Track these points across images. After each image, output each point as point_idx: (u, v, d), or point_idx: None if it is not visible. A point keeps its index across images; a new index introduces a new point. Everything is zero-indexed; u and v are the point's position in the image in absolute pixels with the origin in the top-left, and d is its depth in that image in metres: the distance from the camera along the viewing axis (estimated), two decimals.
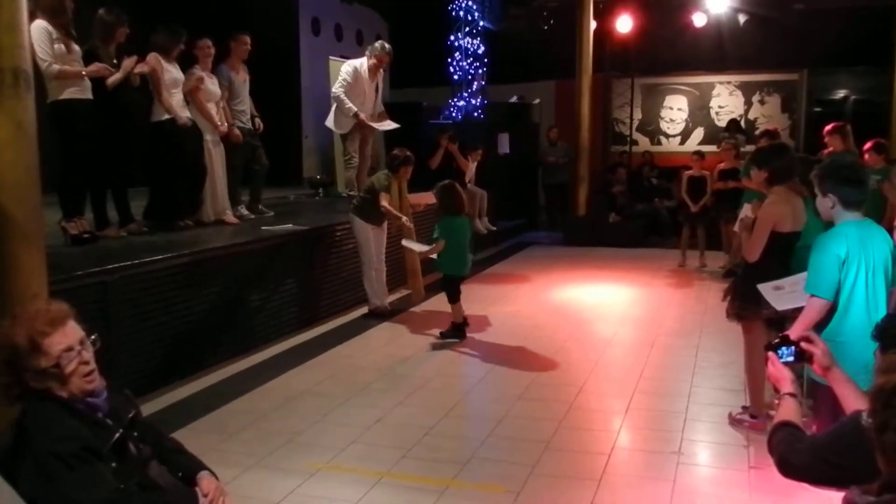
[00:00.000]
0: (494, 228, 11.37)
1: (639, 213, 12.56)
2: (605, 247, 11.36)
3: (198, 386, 5.40)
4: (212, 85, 7.22)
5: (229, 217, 7.33)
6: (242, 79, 7.74)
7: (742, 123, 13.82)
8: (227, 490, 2.58)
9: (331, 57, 10.83)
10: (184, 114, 6.77)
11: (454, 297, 6.68)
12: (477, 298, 8.13)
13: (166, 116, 6.63)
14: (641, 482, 3.95)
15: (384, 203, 7.05)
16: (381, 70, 8.63)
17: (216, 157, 7.21)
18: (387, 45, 8.59)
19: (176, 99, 6.72)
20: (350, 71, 8.37)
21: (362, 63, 8.40)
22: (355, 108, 8.25)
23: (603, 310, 7.84)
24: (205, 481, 2.43)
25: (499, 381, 5.61)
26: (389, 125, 8.84)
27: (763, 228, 4.25)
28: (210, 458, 2.80)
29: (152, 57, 6.51)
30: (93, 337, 2.32)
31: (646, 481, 3.95)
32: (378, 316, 7.33)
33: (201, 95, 7.05)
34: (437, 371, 5.79)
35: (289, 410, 4.93)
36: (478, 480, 3.94)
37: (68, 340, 2.24)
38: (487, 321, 7.26)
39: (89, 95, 5.85)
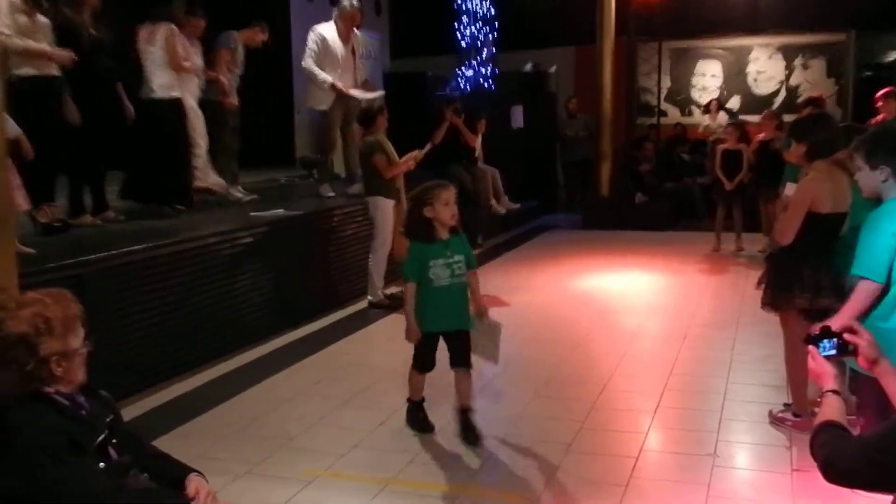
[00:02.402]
0: (518, 206, 11.34)
1: (668, 192, 12.55)
2: (631, 230, 11.36)
3: (183, 388, 5.44)
4: (194, 56, 7.35)
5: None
6: (243, 55, 7.90)
7: (783, 90, 13.77)
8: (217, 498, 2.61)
9: (313, 27, 10.80)
10: (176, 93, 6.90)
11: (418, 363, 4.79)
12: (489, 288, 8.15)
13: (158, 95, 6.71)
14: (673, 487, 3.97)
15: (385, 168, 7.13)
16: (356, 32, 8.45)
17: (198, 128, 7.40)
18: (355, 2, 8.32)
19: (166, 77, 6.83)
20: (315, 38, 8.11)
21: (329, 26, 8.19)
22: (330, 79, 8.04)
23: (628, 299, 7.86)
24: (193, 483, 2.48)
25: (514, 378, 5.63)
26: (373, 93, 8.78)
27: (798, 208, 4.23)
28: (198, 466, 2.83)
29: (166, 28, 6.63)
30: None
31: (678, 486, 3.98)
32: (381, 307, 7.37)
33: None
34: (445, 368, 5.77)
35: (284, 413, 4.98)
36: (492, 486, 3.98)
37: (81, 334, 2.38)
38: (501, 312, 7.26)
39: (55, 71, 5.89)
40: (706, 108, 13.52)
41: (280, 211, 7.22)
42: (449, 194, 4.39)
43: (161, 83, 6.90)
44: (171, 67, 6.91)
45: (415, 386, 4.75)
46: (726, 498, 3.82)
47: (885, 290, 3.33)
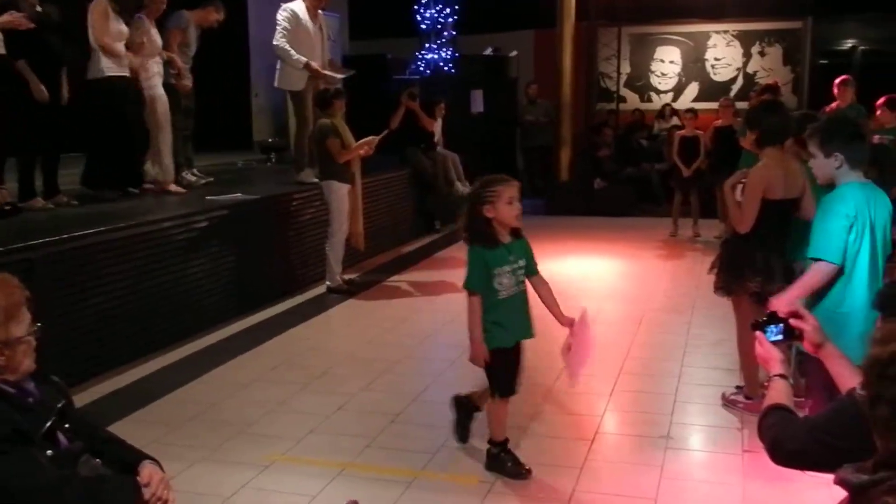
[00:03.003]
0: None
1: (627, 177, 12.68)
2: (591, 215, 11.47)
3: (139, 373, 5.42)
4: (156, 37, 7.26)
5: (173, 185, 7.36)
6: (196, 35, 7.80)
7: (740, 77, 13.96)
8: (172, 485, 2.62)
9: (283, 5, 10.72)
10: (125, 71, 6.77)
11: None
12: (448, 273, 8.20)
13: (105, 74, 6.60)
14: (627, 469, 4.06)
15: (339, 151, 7.12)
16: (321, 12, 8.36)
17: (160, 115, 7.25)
18: None
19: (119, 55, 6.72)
20: (287, 16, 7.95)
21: (299, 4, 8.05)
22: (304, 59, 7.91)
23: (587, 284, 7.94)
24: (147, 469, 2.48)
25: (470, 365, 5.66)
26: (347, 72, 8.75)
27: (753, 195, 4.31)
28: (153, 452, 2.83)
29: (98, 2, 6.49)
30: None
31: (631, 468, 4.06)
32: (340, 293, 7.38)
33: (144, 51, 7.06)
34: (404, 353, 5.87)
35: (241, 399, 4.98)
36: (449, 470, 4.02)
37: (27, 321, 2.35)
38: (459, 298, 7.30)
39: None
40: (660, 114, 13.72)
41: (237, 195, 7.18)
42: (513, 191, 3.87)
43: (109, 62, 6.74)
44: (96, 44, 6.67)
45: (499, 420, 4.00)
46: (679, 479, 3.91)
47: (836, 276, 3.43)
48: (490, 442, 4.01)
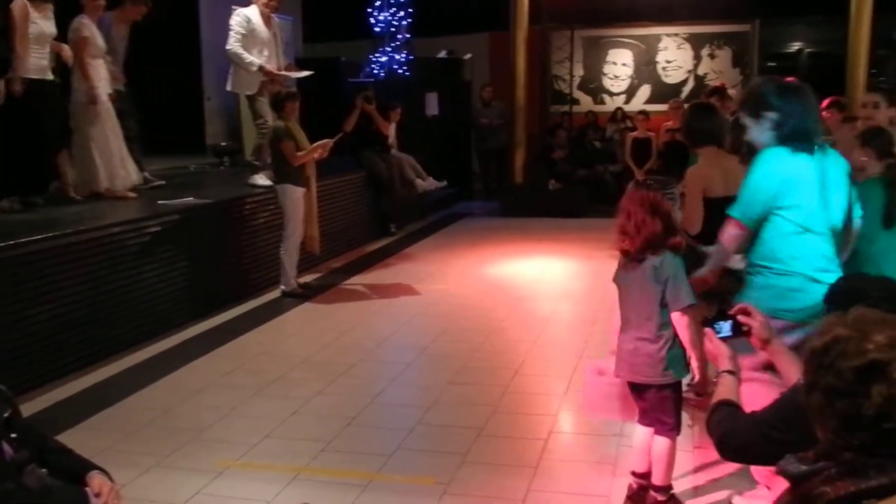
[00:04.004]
0: (445, 183, 11.33)
1: (581, 179, 12.78)
2: (546, 217, 11.54)
3: (91, 380, 5.35)
4: (100, 39, 7.14)
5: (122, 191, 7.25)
6: (122, 36, 7.66)
7: (691, 80, 14.16)
8: (124, 493, 2.60)
9: (234, 7, 10.65)
10: (46, 75, 6.63)
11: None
12: (403, 276, 8.23)
13: (30, 76, 6.47)
14: (581, 467, 4.11)
15: (293, 154, 7.07)
16: (274, 16, 8.35)
17: (108, 121, 7.13)
18: None
19: (36, 58, 6.54)
20: (240, 21, 7.93)
21: (252, 9, 8.03)
22: (258, 62, 7.92)
23: (542, 286, 8.01)
24: (96, 480, 2.45)
25: (428, 366, 5.71)
26: (303, 73, 8.73)
27: (694, 196, 4.41)
28: (106, 459, 2.81)
29: (17, 3, 6.33)
30: None
31: (585, 466, 4.11)
32: (295, 296, 7.34)
33: (88, 52, 6.94)
34: (360, 356, 5.86)
35: (194, 404, 4.94)
36: (405, 472, 4.03)
37: None
38: (415, 301, 7.35)
39: None
40: (613, 116, 13.88)
41: (189, 199, 7.11)
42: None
43: (34, 64, 6.50)
44: (16, 45, 6.37)
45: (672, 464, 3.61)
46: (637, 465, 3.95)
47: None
48: (664, 491, 3.58)
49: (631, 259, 3.49)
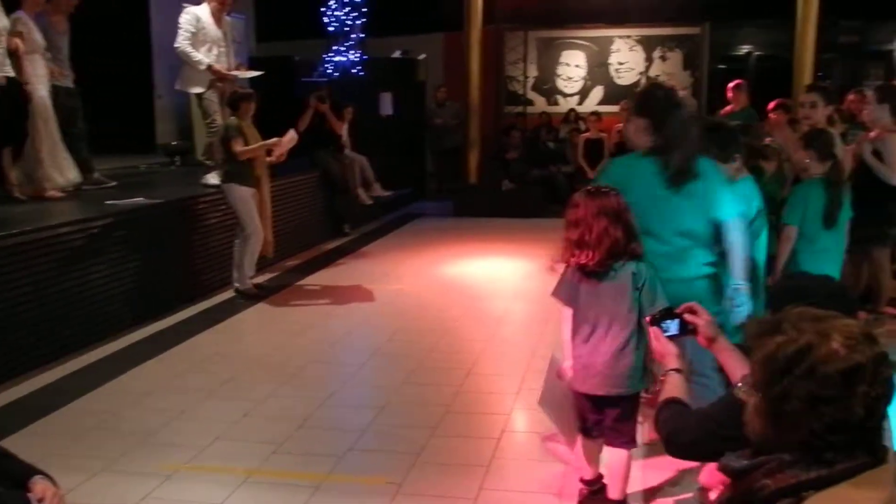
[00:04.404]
0: (390, 193, 11.36)
1: (535, 179, 12.87)
2: (500, 217, 11.59)
3: (37, 383, 5.25)
4: (37, 34, 7.01)
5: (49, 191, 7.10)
6: (62, 29, 7.51)
7: (643, 81, 14.33)
8: (70, 499, 2.56)
9: (185, 4, 10.53)
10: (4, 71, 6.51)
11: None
12: (358, 276, 8.21)
13: None
14: (532, 465, 4.14)
15: (237, 148, 7.00)
16: (227, 16, 8.31)
17: (43, 120, 6.99)
18: None
19: None
20: (190, 19, 7.90)
21: (203, 8, 8.01)
22: (207, 60, 7.88)
23: (495, 285, 8.04)
24: (39, 485, 2.41)
25: (382, 366, 5.70)
26: (252, 73, 8.67)
27: None
28: (51, 464, 2.77)
29: None
30: None
31: (537, 464, 4.14)
32: (249, 297, 7.28)
33: (25, 46, 6.81)
34: (313, 357, 5.84)
35: (143, 408, 4.87)
36: (356, 473, 4.03)
37: None
38: (369, 301, 7.33)
39: None
40: (566, 118, 14.02)
41: (139, 199, 7.01)
42: None
43: None
44: None
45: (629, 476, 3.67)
46: (583, 472, 3.99)
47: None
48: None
49: (589, 272, 3.37)
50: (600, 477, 3.69)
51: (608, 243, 3.30)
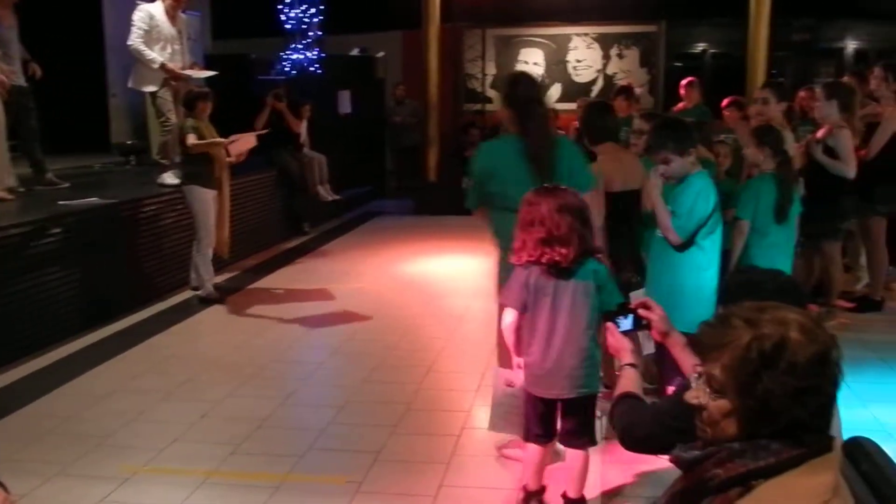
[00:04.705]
0: (339, 198, 11.38)
1: None
2: (460, 215, 11.54)
3: None
4: None
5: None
6: (8, 24, 7.37)
7: (600, 79, 14.44)
8: (25, 502, 2.52)
9: (138, 1, 10.40)
10: None
11: None
12: (317, 275, 8.18)
13: None
14: (493, 461, 4.17)
15: (190, 142, 6.90)
16: (182, 14, 8.21)
17: None
18: None
19: None
20: (143, 17, 7.80)
21: (157, 5, 7.91)
22: (160, 59, 7.79)
23: (455, 283, 8.06)
24: None
25: (341, 365, 5.70)
26: (206, 73, 8.60)
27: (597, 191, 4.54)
28: (6, 469, 2.74)
29: None
30: None
31: (497, 460, 4.17)
32: (212, 301, 7.19)
33: None
34: (272, 357, 5.81)
35: (99, 410, 4.82)
36: (316, 473, 4.03)
37: None
38: (329, 300, 7.31)
39: None
40: None
41: (93, 199, 6.92)
42: None
43: None
44: None
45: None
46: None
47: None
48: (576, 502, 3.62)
49: (561, 270, 3.33)
50: (544, 489, 3.65)
51: (577, 240, 3.28)
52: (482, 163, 4.11)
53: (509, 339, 3.48)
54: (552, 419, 3.51)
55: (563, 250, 3.26)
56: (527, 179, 3.79)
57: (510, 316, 3.44)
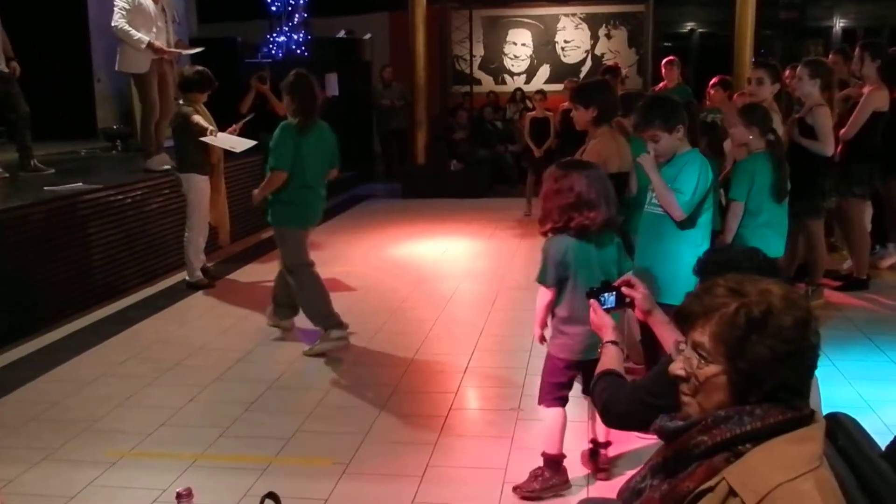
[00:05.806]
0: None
1: (482, 159, 12.90)
2: (447, 198, 11.61)
3: None
4: None
5: None
6: None
7: (589, 59, 14.42)
8: (11, 489, 2.54)
9: None
10: None
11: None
12: None
13: None
14: (479, 441, 4.19)
15: (195, 119, 6.78)
16: None
17: None
18: None
19: None
20: None
21: None
22: (147, 38, 7.65)
23: (443, 265, 8.07)
24: None
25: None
26: (194, 49, 8.51)
27: None
28: None
29: None
30: None
31: (483, 440, 4.19)
32: (200, 288, 7.17)
33: None
34: (259, 341, 5.81)
35: (85, 396, 4.82)
36: (303, 454, 4.04)
37: None
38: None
39: None
40: (512, 97, 14.09)
41: (78, 185, 6.88)
42: None
43: None
44: None
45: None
46: (529, 448, 4.03)
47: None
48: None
49: (591, 235, 3.47)
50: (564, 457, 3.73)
51: (605, 206, 3.43)
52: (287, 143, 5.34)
53: (541, 316, 3.63)
54: (572, 383, 3.71)
55: (592, 214, 3.40)
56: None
57: (546, 295, 3.58)
